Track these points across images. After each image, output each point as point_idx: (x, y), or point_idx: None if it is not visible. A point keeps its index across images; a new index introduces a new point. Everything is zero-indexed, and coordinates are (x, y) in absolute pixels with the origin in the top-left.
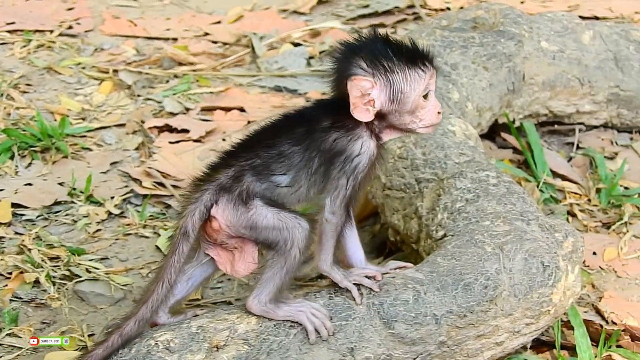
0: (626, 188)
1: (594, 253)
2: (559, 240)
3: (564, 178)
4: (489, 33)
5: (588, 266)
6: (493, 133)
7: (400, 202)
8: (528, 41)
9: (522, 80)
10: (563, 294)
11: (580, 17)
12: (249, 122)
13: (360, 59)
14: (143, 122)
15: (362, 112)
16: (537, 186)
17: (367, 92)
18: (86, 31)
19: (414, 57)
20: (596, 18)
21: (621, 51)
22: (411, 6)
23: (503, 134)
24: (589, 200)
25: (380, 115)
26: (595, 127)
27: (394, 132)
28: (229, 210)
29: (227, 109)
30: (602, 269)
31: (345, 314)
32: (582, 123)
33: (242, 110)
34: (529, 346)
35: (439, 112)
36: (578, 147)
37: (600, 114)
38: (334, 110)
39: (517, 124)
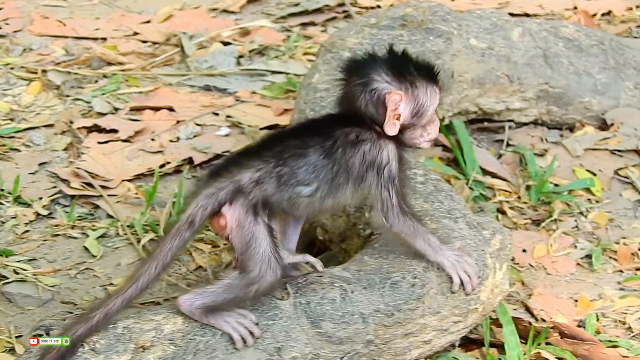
0: (556, 185)
1: (524, 250)
2: (486, 238)
3: (493, 175)
4: (417, 31)
5: (518, 264)
6: None
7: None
8: (457, 38)
9: (451, 77)
10: (491, 291)
11: (511, 14)
12: (178, 122)
13: (384, 74)
14: (72, 122)
15: (391, 126)
16: (467, 184)
17: (397, 106)
18: (15, 31)
19: (431, 73)
20: (526, 15)
21: (550, 48)
22: (341, 4)
23: None
24: (519, 197)
25: (400, 129)
26: (525, 124)
27: (400, 146)
28: (240, 215)
29: (156, 109)
30: (531, 266)
31: (272, 314)
32: (512, 120)
33: (171, 109)
34: (457, 344)
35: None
36: (508, 145)
37: (530, 111)
38: (354, 123)
39: (446, 121)
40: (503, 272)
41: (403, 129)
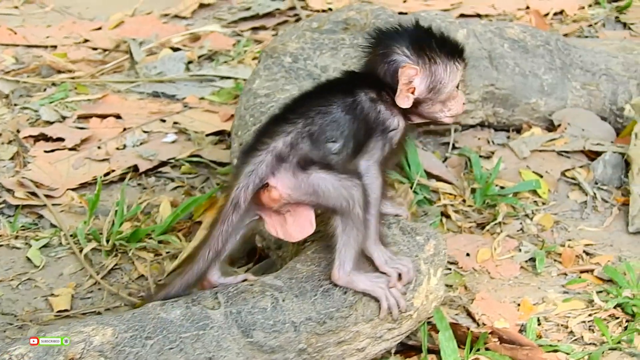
0: (502, 187)
1: (468, 254)
2: (420, 243)
3: (438, 179)
4: (360, 34)
5: (461, 268)
6: None
7: None
8: None
9: None
10: (425, 297)
11: (462, 15)
12: (125, 129)
13: (405, 48)
14: (18, 131)
15: (403, 99)
16: (411, 188)
17: (411, 80)
18: None
19: (454, 50)
20: (478, 15)
21: (496, 49)
22: (292, 8)
23: None
24: (464, 200)
25: (415, 102)
26: (472, 126)
27: (419, 118)
28: (289, 179)
29: (104, 116)
30: (475, 270)
31: (203, 323)
32: (458, 123)
33: (118, 117)
34: (393, 351)
35: (464, 103)
36: (454, 147)
37: (476, 113)
38: (374, 84)
39: None
40: (438, 277)
41: (419, 102)
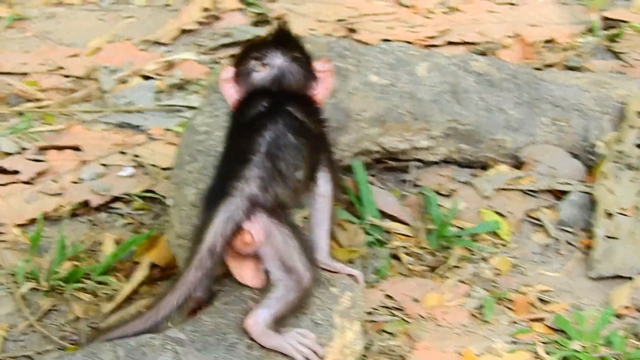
0: (461, 228)
1: (415, 300)
2: (335, 295)
3: (393, 219)
4: None
5: (408, 314)
6: None
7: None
8: (355, 75)
9: (347, 116)
10: (340, 352)
11: (449, 42)
12: (83, 162)
13: (300, 52)
14: None
15: (325, 96)
16: (362, 228)
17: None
18: None
19: None
20: (465, 43)
21: (460, 83)
22: None
23: None
24: (418, 242)
25: None
26: (436, 162)
27: None
28: (265, 225)
29: (63, 148)
30: (421, 317)
31: None
32: (419, 159)
33: (77, 149)
34: None
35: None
36: (414, 185)
37: (438, 149)
38: (292, 98)
39: (346, 162)
40: (355, 330)
41: None
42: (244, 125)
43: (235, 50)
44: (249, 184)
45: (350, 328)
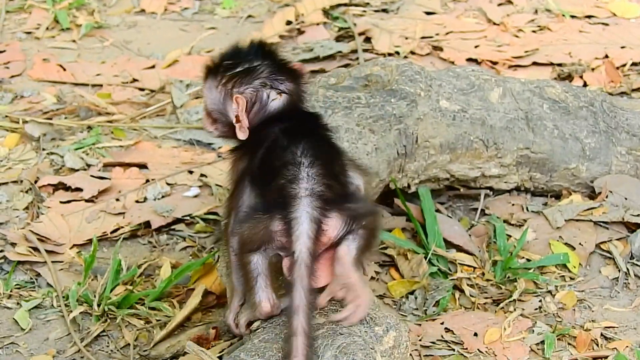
0: (528, 260)
1: (475, 334)
2: (378, 334)
3: (459, 249)
4: (378, 92)
5: (466, 349)
6: (389, 199)
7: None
8: (424, 100)
9: (415, 142)
10: None
11: (535, 62)
12: (147, 181)
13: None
14: (38, 179)
15: None
16: (426, 258)
17: None
18: (12, 76)
19: None
20: (552, 64)
21: (534, 110)
22: (355, 51)
23: (397, 201)
24: (483, 274)
25: None
26: (508, 191)
27: None
28: (337, 221)
29: (128, 165)
30: (480, 352)
31: None
32: (490, 187)
33: (144, 167)
34: None
35: None
36: (484, 214)
37: (510, 177)
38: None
39: (412, 189)
40: None
41: None
42: (272, 146)
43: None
44: (310, 182)
45: None
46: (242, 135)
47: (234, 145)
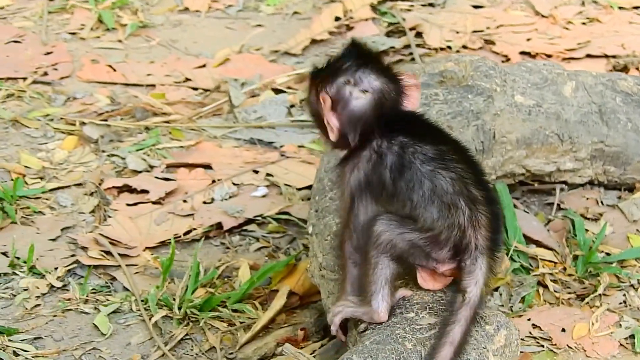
0: (608, 254)
1: (563, 330)
2: (489, 333)
3: (538, 244)
4: (454, 89)
5: (555, 344)
6: None
7: (336, 284)
8: (500, 96)
9: (492, 138)
10: None
11: (589, 55)
12: (213, 181)
13: None
14: (102, 181)
15: None
16: (507, 254)
17: None
18: (62, 78)
19: None
20: (605, 56)
21: (607, 103)
22: (407, 46)
23: None
24: (564, 269)
25: None
26: (581, 185)
27: None
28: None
29: (193, 166)
30: (570, 347)
31: None
32: (564, 182)
33: (208, 167)
34: None
35: None
36: (560, 208)
37: (585, 171)
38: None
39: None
40: None
41: None
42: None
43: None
44: (484, 234)
45: None
46: (333, 137)
47: (344, 155)
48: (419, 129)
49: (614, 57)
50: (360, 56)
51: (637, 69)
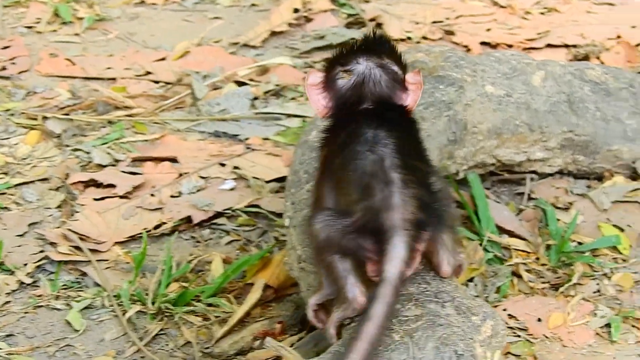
0: (580, 243)
1: (539, 319)
2: (476, 324)
3: (511, 234)
4: (426, 79)
5: (532, 335)
6: None
7: (315, 277)
8: (471, 86)
9: (464, 129)
10: None
11: (549, 45)
12: (180, 175)
13: None
14: (67, 176)
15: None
16: (481, 245)
17: None
18: (20, 72)
19: None
20: (566, 46)
21: (575, 92)
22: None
23: None
24: (538, 258)
25: None
26: (550, 174)
27: None
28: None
29: (159, 159)
30: (546, 337)
31: None
32: (534, 171)
33: (174, 160)
34: None
35: None
36: (530, 198)
37: (554, 160)
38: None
39: (461, 175)
40: None
41: None
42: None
43: (329, 54)
44: (405, 210)
45: (492, 358)
46: (318, 112)
47: (322, 127)
48: (383, 119)
49: (574, 46)
50: (369, 44)
51: (598, 58)
